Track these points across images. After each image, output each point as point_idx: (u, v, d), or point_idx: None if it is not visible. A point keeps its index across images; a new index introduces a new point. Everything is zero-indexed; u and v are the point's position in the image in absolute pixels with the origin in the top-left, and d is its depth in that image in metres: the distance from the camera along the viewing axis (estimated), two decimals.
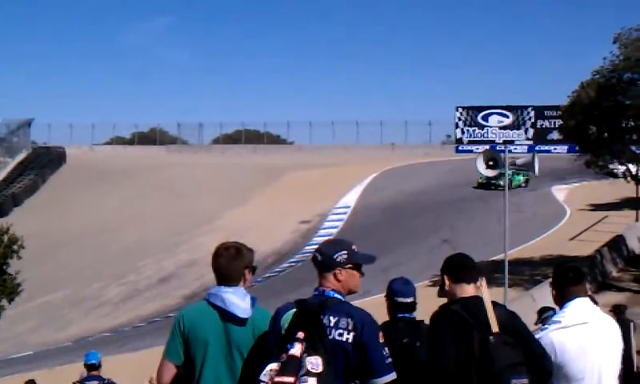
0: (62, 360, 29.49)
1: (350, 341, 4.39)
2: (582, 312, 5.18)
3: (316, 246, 4.74)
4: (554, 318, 5.28)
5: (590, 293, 5.66)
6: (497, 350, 4.47)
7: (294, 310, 4.49)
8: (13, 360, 34.48)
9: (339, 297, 4.59)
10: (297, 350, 4.23)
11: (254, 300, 4.94)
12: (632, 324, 13.15)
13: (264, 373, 4.25)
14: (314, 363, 4.20)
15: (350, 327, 4.42)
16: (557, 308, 5.43)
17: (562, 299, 5.29)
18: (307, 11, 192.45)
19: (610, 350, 5.18)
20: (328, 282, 4.60)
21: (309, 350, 4.24)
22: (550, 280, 5.50)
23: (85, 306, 45.81)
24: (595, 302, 5.60)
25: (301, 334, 4.29)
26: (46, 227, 59.30)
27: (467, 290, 4.80)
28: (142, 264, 51.26)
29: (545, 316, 11.88)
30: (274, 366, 4.24)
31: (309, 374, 4.17)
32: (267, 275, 43.60)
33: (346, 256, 4.63)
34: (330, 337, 4.37)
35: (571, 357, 5.04)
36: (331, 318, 4.43)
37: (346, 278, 4.63)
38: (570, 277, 5.29)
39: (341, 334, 4.39)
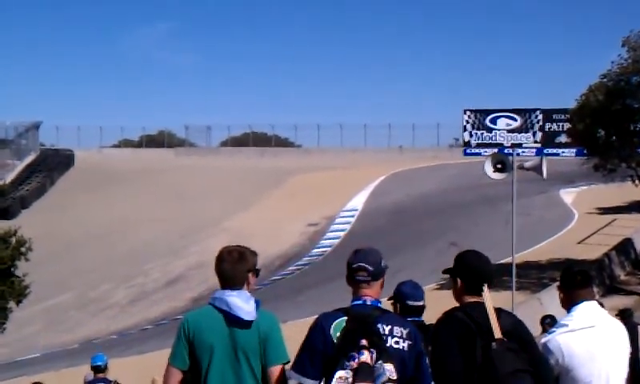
0: (69, 362, 29.54)
1: (405, 349, 4.46)
2: (589, 315, 5.16)
3: (351, 257, 4.73)
4: (562, 322, 5.26)
5: (597, 297, 5.65)
6: (499, 357, 4.45)
7: (344, 318, 4.49)
8: (20, 362, 34.56)
9: (381, 305, 4.65)
10: (367, 357, 4.24)
11: (257, 303, 4.91)
12: (639, 327, 13.08)
13: (334, 380, 4.25)
14: (391, 370, 4.24)
15: (404, 335, 4.50)
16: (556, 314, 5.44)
17: (569, 303, 5.28)
18: (314, 14, 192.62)
19: (617, 353, 5.16)
20: (371, 291, 4.64)
21: (380, 357, 4.26)
22: (558, 284, 5.48)
23: (92, 309, 45.90)
24: (602, 306, 5.57)
25: (364, 342, 4.29)
26: (54, 229, 59.44)
27: (475, 296, 4.77)
28: (150, 266, 51.36)
29: (546, 323, 11.86)
30: (342, 373, 4.24)
31: (390, 381, 4.23)
32: (274, 278, 43.63)
33: (384, 264, 4.74)
34: (388, 345, 4.41)
35: (579, 360, 5.03)
36: (385, 326, 4.48)
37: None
38: (577, 280, 5.29)
39: (397, 342, 4.46)
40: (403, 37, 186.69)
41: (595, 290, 25.78)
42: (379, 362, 4.23)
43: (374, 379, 4.18)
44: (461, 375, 4.52)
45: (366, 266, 4.62)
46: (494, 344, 4.49)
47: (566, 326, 5.16)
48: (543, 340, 5.16)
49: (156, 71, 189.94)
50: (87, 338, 39.34)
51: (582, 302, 5.21)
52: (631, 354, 5.38)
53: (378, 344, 4.31)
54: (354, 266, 4.64)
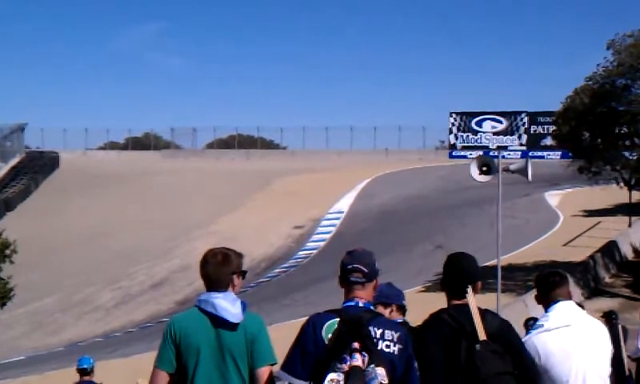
0: (54, 365, 29.42)
1: (396, 353, 4.41)
2: (565, 315, 5.24)
3: (345, 258, 4.68)
4: (538, 322, 5.35)
5: (581, 299, 5.71)
6: (483, 359, 4.47)
7: (336, 319, 4.44)
8: (4, 365, 34.39)
9: (372, 308, 4.63)
10: (358, 360, 4.20)
11: (244, 305, 4.89)
12: (620, 327, 13.18)
13: (325, 383, 4.19)
14: (382, 375, 4.20)
15: (395, 339, 4.44)
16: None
17: (546, 304, 5.34)
18: (301, 16, 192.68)
19: (594, 352, 5.21)
20: (364, 293, 4.59)
21: (372, 361, 4.22)
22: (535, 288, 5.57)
23: (77, 311, 45.74)
24: (581, 307, 5.64)
25: (356, 345, 4.25)
26: (39, 232, 59.20)
27: (460, 298, 4.79)
28: (135, 269, 51.22)
29: (529, 324, 11.98)
30: (333, 376, 4.19)
31: None
32: (260, 280, 43.63)
33: (377, 266, 4.71)
34: (379, 348, 4.36)
35: (555, 360, 5.09)
36: (376, 329, 4.43)
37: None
38: (551, 281, 5.38)
39: (388, 346, 4.41)
40: (389, 39, 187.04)
41: (580, 291, 25.96)
42: (371, 365, 4.19)
43: (365, 383, 4.15)
44: (444, 377, 4.53)
45: (361, 267, 4.59)
46: (477, 346, 4.51)
47: (542, 326, 5.24)
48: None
49: (142, 73, 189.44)
50: (72, 341, 39.22)
51: (558, 301, 5.28)
52: (614, 354, 5.44)
53: (370, 347, 4.27)
54: (349, 266, 4.59)
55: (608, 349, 5.35)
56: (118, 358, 28.38)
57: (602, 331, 5.38)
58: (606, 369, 5.26)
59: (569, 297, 5.42)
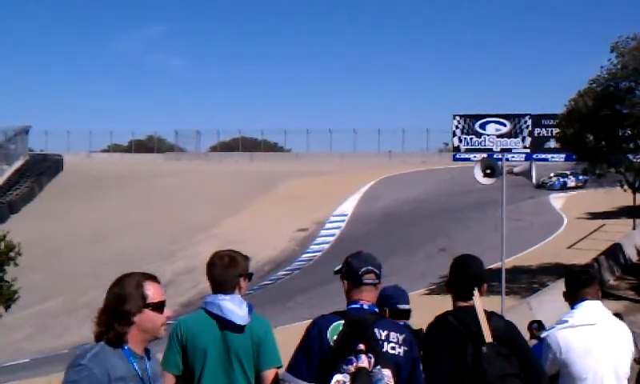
0: (59, 368, 29.37)
1: (401, 355, 4.42)
2: (590, 313, 5.29)
3: (355, 261, 4.64)
4: (563, 318, 5.39)
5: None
6: (489, 361, 4.46)
7: (341, 321, 4.44)
8: (9, 368, 34.39)
9: (377, 310, 4.63)
10: (364, 361, 4.20)
11: (250, 307, 4.92)
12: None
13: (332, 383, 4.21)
14: (388, 376, 4.20)
15: (400, 341, 4.45)
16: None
17: (573, 301, 5.39)
18: (304, 20, 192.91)
19: (616, 352, 5.26)
20: (370, 296, 4.61)
21: (378, 363, 4.22)
22: (564, 284, 5.62)
23: (81, 314, 45.64)
24: None
25: (362, 346, 4.25)
26: (43, 234, 59.22)
27: (466, 300, 4.79)
28: None
29: (533, 327, 11.97)
30: (339, 377, 4.18)
31: None
32: (264, 283, 43.59)
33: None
34: (384, 350, 4.37)
35: (576, 356, 5.14)
36: (381, 331, 4.44)
37: None
38: (581, 279, 5.45)
39: (393, 348, 4.42)
40: (393, 42, 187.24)
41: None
42: (377, 367, 4.19)
43: None
44: (450, 379, 4.53)
45: (374, 269, 4.61)
46: (484, 348, 4.50)
47: (566, 322, 5.29)
48: (543, 335, 5.27)
49: (145, 75, 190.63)
50: (77, 344, 39.16)
51: (585, 300, 5.32)
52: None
53: (375, 349, 4.27)
54: (364, 269, 4.59)
55: (630, 351, 5.40)
56: None
57: (626, 333, 5.43)
58: (626, 370, 5.31)
59: (596, 296, 5.49)
